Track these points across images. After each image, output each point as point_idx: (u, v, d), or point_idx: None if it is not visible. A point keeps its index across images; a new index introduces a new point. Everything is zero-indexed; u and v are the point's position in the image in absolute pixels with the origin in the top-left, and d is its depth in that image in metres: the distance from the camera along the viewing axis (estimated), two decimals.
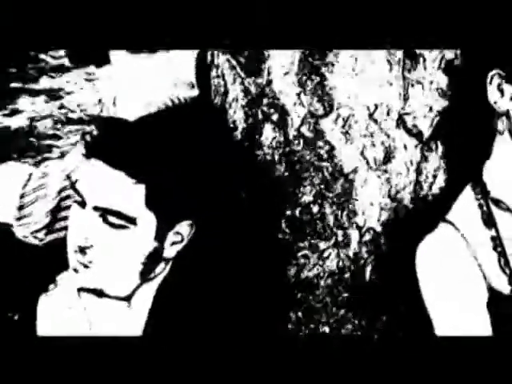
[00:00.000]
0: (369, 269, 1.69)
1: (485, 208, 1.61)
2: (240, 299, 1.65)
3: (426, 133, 1.68)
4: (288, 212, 1.68)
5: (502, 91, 1.57)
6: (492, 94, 1.58)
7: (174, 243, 1.56)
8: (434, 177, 1.70)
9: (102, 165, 1.49)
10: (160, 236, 1.56)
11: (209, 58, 1.74)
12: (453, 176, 1.68)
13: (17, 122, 1.80)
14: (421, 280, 1.60)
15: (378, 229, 1.69)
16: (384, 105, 1.63)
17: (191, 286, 1.63)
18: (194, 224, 1.57)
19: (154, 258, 1.56)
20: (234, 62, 1.68)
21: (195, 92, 1.83)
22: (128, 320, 1.59)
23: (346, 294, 1.69)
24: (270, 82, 1.66)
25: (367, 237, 1.70)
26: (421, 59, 1.63)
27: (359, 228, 1.69)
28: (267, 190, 1.68)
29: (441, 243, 1.61)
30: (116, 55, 1.83)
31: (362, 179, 1.67)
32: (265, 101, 1.66)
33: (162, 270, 1.58)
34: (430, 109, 1.66)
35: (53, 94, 1.80)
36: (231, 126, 1.71)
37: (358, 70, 1.62)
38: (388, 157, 1.67)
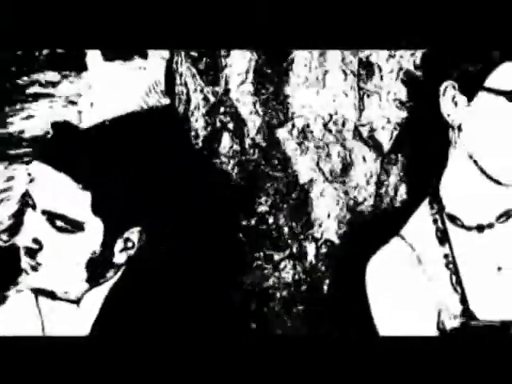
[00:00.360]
0: (326, 282, 1.67)
1: (439, 224, 1.56)
2: (191, 308, 1.66)
3: (386, 145, 1.64)
4: (244, 222, 1.67)
5: (455, 103, 1.51)
6: (445, 106, 1.52)
7: (123, 249, 1.57)
8: (395, 190, 1.66)
9: (51, 169, 1.53)
10: (108, 242, 1.57)
11: (174, 66, 1.75)
12: (413, 189, 1.64)
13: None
14: (369, 295, 1.57)
15: (336, 241, 1.67)
16: (339, 115, 1.60)
17: (141, 292, 1.65)
18: (144, 231, 1.59)
19: (103, 263, 1.58)
20: (194, 70, 1.68)
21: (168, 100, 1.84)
22: (77, 321, 1.62)
23: (301, 307, 1.67)
24: (227, 91, 1.66)
25: (324, 249, 1.67)
26: (376, 69, 1.58)
27: (316, 240, 1.67)
28: (223, 198, 1.68)
29: (391, 258, 1.56)
30: (93, 61, 1.86)
31: (319, 191, 1.64)
32: (222, 109, 1.66)
33: (112, 275, 1.60)
34: (388, 120, 1.62)
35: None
36: (193, 133, 1.72)
37: (312, 80, 1.60)
38: (346, 169, 1.64)
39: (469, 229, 1.54)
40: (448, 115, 1.51)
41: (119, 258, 1.57)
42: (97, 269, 1.57)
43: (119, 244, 1.56)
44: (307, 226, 1.65)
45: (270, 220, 1.65)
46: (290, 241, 1.66)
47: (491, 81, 1.45)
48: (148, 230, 1.58)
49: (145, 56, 1.90)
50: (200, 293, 1.67)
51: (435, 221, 1.55)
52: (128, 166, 1.58)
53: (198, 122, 1.70)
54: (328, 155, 1.62)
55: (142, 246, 1.60)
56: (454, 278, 1.52)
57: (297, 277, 1.66)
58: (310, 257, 1.67)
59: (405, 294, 1.54)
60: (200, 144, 1.71)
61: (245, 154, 1.66)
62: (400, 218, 1.61)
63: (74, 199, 1.51)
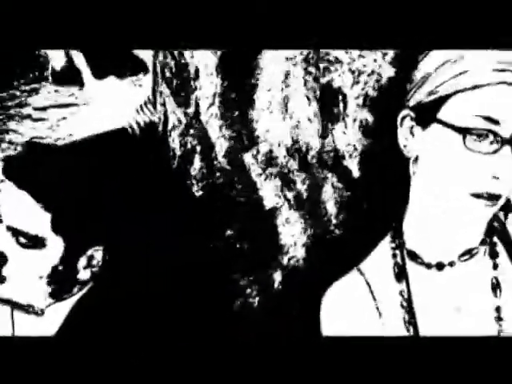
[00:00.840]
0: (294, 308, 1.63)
1: (398, 259, 1.49)
2: (153, 325, 1.68)
3: (355, 173, 1.57)
4: (211, 245, 1.66)
5: (412, 134, 1.44)
6: (402, 137, 1.45)
7: (87, 266, 1.62)
8: (362, 220, 1.59)
9: (15, 187, 1.59)
10: (70, 259, 1.62)
11: (154, 85, 1.76)
12: (380, 221, 1.57)
13: None
14: (323, 327, 1.53)
15: (302, 269, 1.62)
16: (303, 142, 1.55)
17: (106, 308, 1.68)
18: (108, 250, 1.62)
19: (66, 279, 1.63)
20: (168, 91, 1.68)
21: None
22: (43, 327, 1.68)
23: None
24: (197, 114, 1.64)
25: (291, 277, 1.63)
26: (340, 96, 1.51)
27: (282, 267, 1.63)
28: (192, 220, 1.67)
29: (345, 292, 1.51)
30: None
31: (284, 218, 1.61)
32: (192, 131, 1.65)
33: (77, 291, 1.65)
34: (355, 148, 1.55)
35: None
36: (170, 154, 1.72)
37: (276, 105, 1.56)
38: (312, 196, 1.59)
39: (428, 266, 1.48)
40: (404, 146, 1.45)
41: (83, 274, 1.61)
42: (60, 284, 1.62)
43: (83, 261, 1.60)
44: (273, 253, 1.63)
45: (237, 245, 1.64)
46: (256, 266, 1.64)
47: (444, 113, 1.39)
48: (112, 249, 1.62)
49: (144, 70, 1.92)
50: (163, 311, 1.69)
51: (394, 255, 1.49)
52: (93, 186, 1.61)
53: (175, 142, 1.71)
54: (292, 182, 1.58)
55: (107, 264, 1.64)
56: (407, 316, 1.47)
57: (262, 303, 1.64)
58: (276, 284, 1.64)
59: (356, 330, 1.49)
60: (175, 164, 1.72)
61: (213, 178, 1.65)
62: (362, 251, 1.56)
63: (36, 217, 1.56)
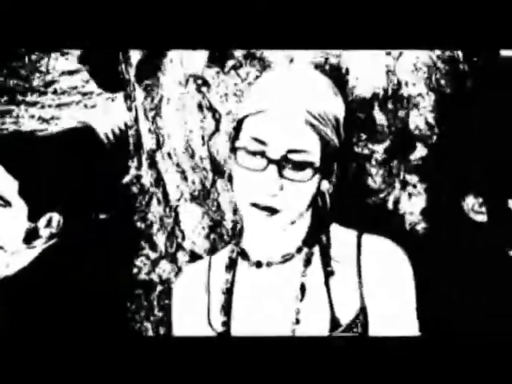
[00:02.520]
0: None
1: (234, 254, 1.69)
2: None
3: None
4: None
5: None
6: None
7: (47, 226, 2.04)
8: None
9: None
10: (32, 218, 2.05)
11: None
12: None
13: None
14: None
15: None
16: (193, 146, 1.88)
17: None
18: (61, 218, 2.05)
19: (31, 232, 2.05)
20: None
21: None
22: None
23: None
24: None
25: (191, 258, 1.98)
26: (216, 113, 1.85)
27: (185, 250, 1.98)
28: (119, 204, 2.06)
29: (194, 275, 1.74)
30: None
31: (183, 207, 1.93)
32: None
33: (41, 244, 2.07)
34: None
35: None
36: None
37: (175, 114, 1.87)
38: (205, 191, 1.89)
39: (251, 263, 1.66)
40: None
41: (44, 232, 2.04)
42: (27, 235, 2.05)
43: (43, 221, 2.03)
44: (178, 239, 1.97)
45: (155, 228, 2.00)
46: (162, 246, 2.00)
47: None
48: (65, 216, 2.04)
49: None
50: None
51: (232, 251, 1.71)
52: (54, 166, 2.04)
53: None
54: (186, 178, 1.92)
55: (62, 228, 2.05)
56: (224, 302, 1.66)
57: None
58: (180, 262, 1.99)
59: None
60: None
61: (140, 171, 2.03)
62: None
63: (6, 183, 1.99)
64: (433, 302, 1.72)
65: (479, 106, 1.82)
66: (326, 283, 1.61)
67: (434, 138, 1.80)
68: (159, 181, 1.94)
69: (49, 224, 2.06)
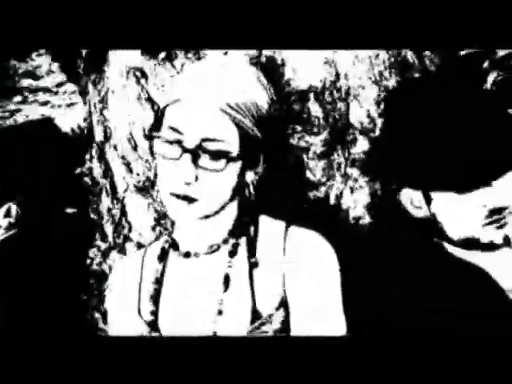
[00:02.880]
0: None
1: (166, 246, 1.70)
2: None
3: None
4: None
5: None
6: None
7: (5, 216, 2.09)
8: None
9: None
10: None
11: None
12: None
13: None
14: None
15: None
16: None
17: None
18: (19, 209, 2.09)
19: None
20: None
21: None
22: None
23: None
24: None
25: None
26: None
27: (132, 241, 2.00)
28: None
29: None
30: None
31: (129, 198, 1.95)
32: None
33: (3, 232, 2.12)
34: None
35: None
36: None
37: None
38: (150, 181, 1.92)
39: (180, 254, 1.67)
40: None
41: (3, 221, 2.08)
42: None
43: (1, 211, 2.07)
44: (126, 230, 2.00)
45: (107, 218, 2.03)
46: (111, 238, 2.03)
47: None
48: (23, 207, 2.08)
49: None
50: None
51: (166, 241, 1.72)
52: (18, 161, 2.08)
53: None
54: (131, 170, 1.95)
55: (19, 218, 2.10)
56: (153, 291, 1.67)
57: None
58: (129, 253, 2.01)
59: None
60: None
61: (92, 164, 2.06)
62: None
63: None
64: (374, 298, 1.70)
65: (423, 100, 1.78)
66: (250, 274, 1.60)
67: (377, 131, 1.77)
68: (107, 172, 1.96)
69: (8, 214, 2.11)
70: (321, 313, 1.57)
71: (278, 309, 1.57)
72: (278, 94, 1.66)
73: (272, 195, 1.70)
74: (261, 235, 1.64)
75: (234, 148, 1.55)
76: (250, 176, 1.62)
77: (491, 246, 1.71)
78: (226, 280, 1.61)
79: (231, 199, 1.61)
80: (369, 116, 1.77)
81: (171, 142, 1.54)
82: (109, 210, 1.97)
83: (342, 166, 1.79)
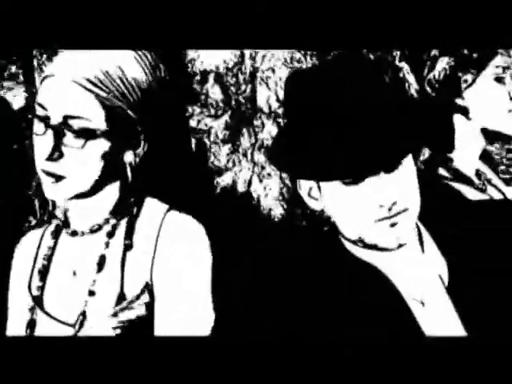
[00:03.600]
0: None
1: None
2: None
3: None
4: None
5: None
6: None
7: None
8: None
9: None
10: None
11: None
12: None
13: None
14: None
15: None
16: None
17: None
18: None
19: None
20: None
21: None
22: None
23: None
24: None
25: None
26: None
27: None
28: None
29: None
30: None
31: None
32: None
33: None
34: None
35: None
36: None
37: None
38: None
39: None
40: None
41: None
42: None
43: None
44: None
45: None
46: None
47: None
48: None
49: None
50: None
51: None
52: None
53: None
54: None
55: None
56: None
57: None
58: None
59: None
60: None
61: None
62: None
63: None
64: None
65: (335, 85, 1.67)
66: (123, 256, 1.59)
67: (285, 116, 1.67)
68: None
69: None
70: (185, 300, 1.53)
71: (141, 294, 1.55)
72: (180, 74, 1.59)
73: (166, 178, 1.65)
74: (142, 218, 1.62)
75: (98, 125, 1.53)
76: (128, 157, 1.59)
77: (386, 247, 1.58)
78: (101, 261, 1.60)
79: (109, 179, 1.59)
80: (278, 100, 1.67)
81: (39, 118, 1.54)
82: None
83: (249, 151, 1.71)
